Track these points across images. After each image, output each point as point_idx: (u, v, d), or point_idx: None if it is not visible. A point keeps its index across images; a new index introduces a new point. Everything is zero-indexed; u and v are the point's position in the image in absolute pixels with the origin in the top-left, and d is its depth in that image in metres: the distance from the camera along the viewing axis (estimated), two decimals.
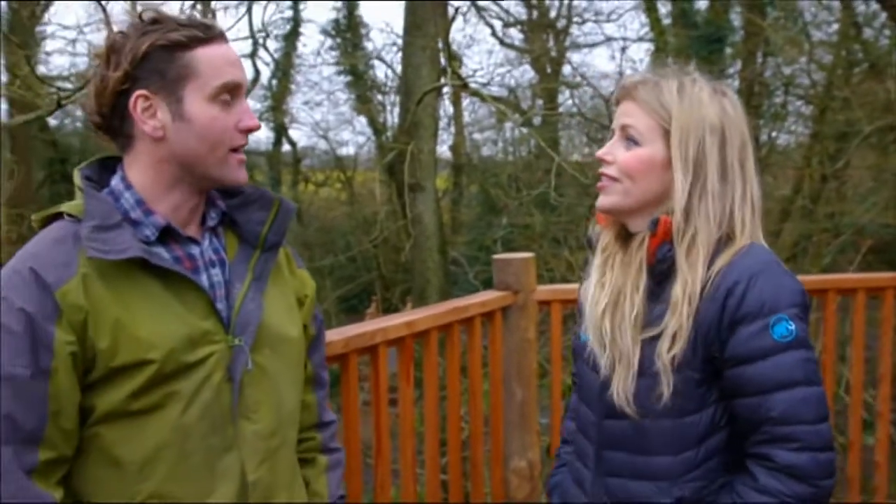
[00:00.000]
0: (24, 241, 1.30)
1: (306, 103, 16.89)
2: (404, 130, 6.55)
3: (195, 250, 1.34)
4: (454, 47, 15.27)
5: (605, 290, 1.49)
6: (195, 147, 1.29)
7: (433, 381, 2.61)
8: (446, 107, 14.62)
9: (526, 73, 16.18)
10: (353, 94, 15.52)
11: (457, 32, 15.00)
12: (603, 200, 1.50)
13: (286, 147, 17.31)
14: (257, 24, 14.92)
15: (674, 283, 1.41)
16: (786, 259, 10.94)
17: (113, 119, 1.30)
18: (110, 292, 1.22)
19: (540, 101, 15.44)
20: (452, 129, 15.17)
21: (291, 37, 15.89)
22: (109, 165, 1.37)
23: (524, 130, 14.83)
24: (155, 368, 1.22)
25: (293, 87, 16.50)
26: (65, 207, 1.28)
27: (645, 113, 1.45)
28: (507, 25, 15.61)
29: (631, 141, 1.46)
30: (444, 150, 15.74)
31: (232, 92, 1.31)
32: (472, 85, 13.87)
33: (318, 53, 15.87)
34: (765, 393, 1.35)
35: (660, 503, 1.43)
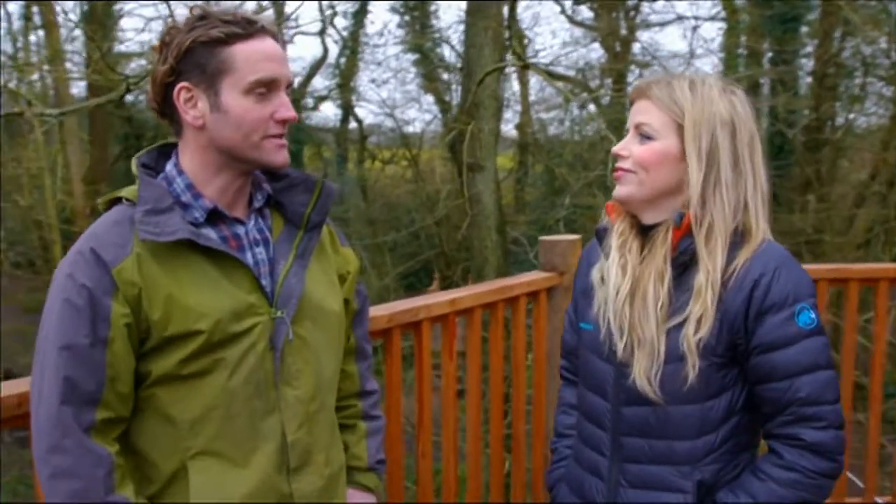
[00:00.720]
0: (98, 215, 1.43)
1: (373, 81, 17.06)
2: (465, 110, 6.60)
3: (241, 230, 1.44)
4: (521, 26, 15.28)
5: (624, 277, 1.55)
6: (230, 136, 1.38)
7: (476, 357, 2.70)
8: (513, 86, 14.63)
9: (595, 52, 16.04)
10: (420, 71, 15.61)
11: (525, 10, 14.95)
12: (619, 190, 1.57)
13: (353, 124, 17.56)
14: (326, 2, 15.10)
15: (696, 272, 1.48)
16: (857, 245, 10.68)
17: (165, 107, 1.42)
18: (162, 270, 1.33)
19: (608, 81, 15.32)
20: (519, 107, 15.16)
21: (360, 14, 16.04)
22: (166, 151, 1.49)
23: (591, 110, 14.74)
24: (203, 338, 1.33)
25: (361, 64, 16.68)
26: (124, 192, 1.40)
27: (658, 109, 1.52)
28: (577, 3, 15.48)
29: (645, 136, 1.53)
30: (509, 129, 15.75)
31: (268, 85, 1.38)
32: (538, 65, 13.83)
33: (381, 34, 15.99)
34: (792, 377, 1.44)
35: (681, 487, 1.50)
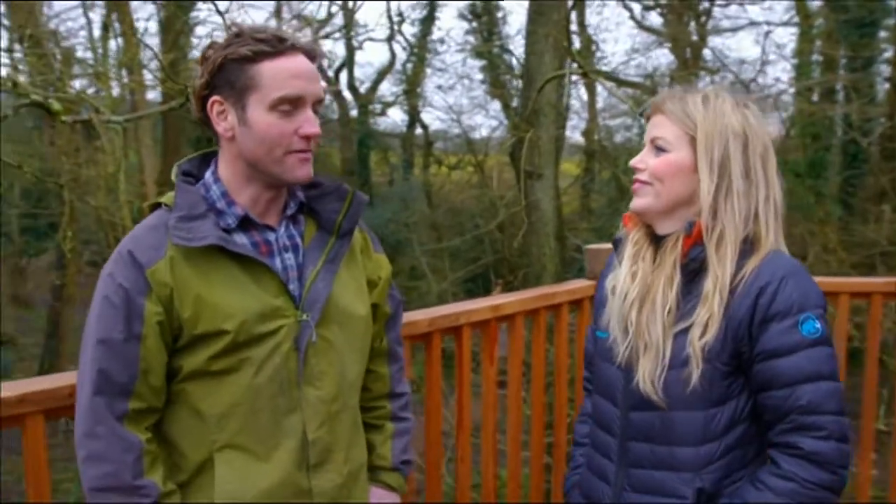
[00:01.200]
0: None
1: (439, 87, 17.19)
2: (525, 118, 6.63)
3: (271, 236, 1.51)
4: (589, 31, 15.21)
5: (634, 283, 1.59)
6: (254, 149, 1.45)
7: (517, 363, 2.73)
8: (581, 92, 14.57)
9: (664, 58, 15.83)
10: (487, 78, 15.67)
11: (592, 16, 14.84)
12: (636, 202, 1.61)
13: (420, 130, 17.73)
14: (395, 7, 15.31)
15: (704, 278, 1.51)
16: None
17: (204, 117, 1.50)
18: (193, 272, 1.41)
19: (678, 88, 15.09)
20: (586, 114, 15.08)
21: (427, 21, 16.21)
22: (208, 159, 1.57)
23: None
24: (230, 337, 1.41)
25: (427, 70, 16.83)
26: (164, 198, 1.49)
27: (672, 123, 1.56)
28: (646, 9, 15.32)
29: (660, 149, 1.57)
30: (576, 136, 15.68)
31: (293, 102, 1.44)
32: (603, 71, 13.72)
33: (443, 40, 16.07)
34: (794, 384, 1.44)
35: (681, 493, 1.51)
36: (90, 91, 8.17)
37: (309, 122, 1.46)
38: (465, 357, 2.55)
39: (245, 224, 1.49)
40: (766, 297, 1.46)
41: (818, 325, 1.45)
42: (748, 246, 1.52)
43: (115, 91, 9.21)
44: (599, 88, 14.64)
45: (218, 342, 1.41)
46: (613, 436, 1.63)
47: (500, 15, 15.71)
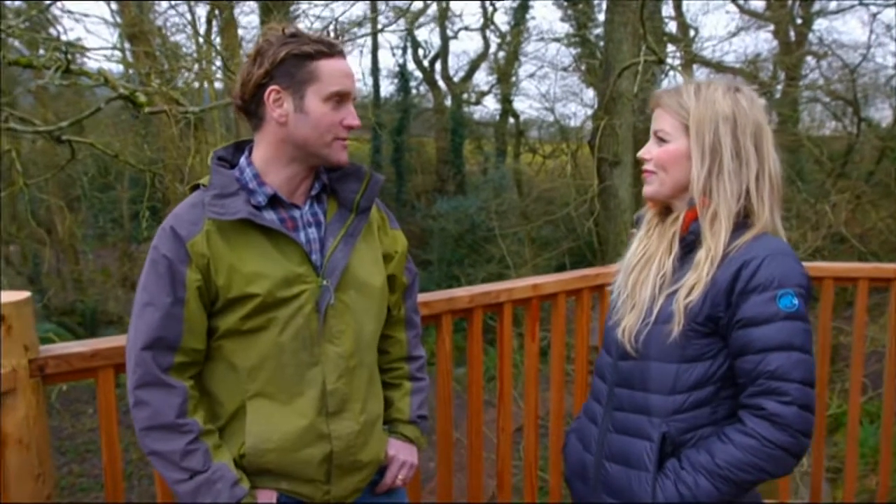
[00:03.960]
0: None
1: (532, 75, 17.24)
2: (603, 106, 6.67)
3: (296, 213, 1.71)
4: (688, 16, 14.92)
5: (640, 251, 1.79)
6: (308, 133, 1.66)
7: (560, 340, 2.85)
8: (676, 80, 14.33)
9: (766, 43, 15.37)
10: (581, 66, 15.59)
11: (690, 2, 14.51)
12: (646, 189, 1.79)
13: (512, 119, 17.80)
14: None
15: (698, 249, 1.65)
16: None
17: (251, 104, 1.69)
18: (227, 244, 1.61)
19: (781, 73, 14.68)
20: None
21: (521, 9, 16.24)
22: (243, 146, 1.78)
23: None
24: (259, 300, 1.61)
25: (521, 59, 16.88)
26: (203, 180, 1.71)
27: (669, 115, 1.72)
28: None
29: (661, 140, 1.73)
30: None
31: (342, 97, 1.66)
32: (697, 55, 13.44)
33: (539, 30, 16.01)
34: (766, 351, 1.56)
35: (650, 435, 1.67)
36: (195, 85, 8.64)
37: (352, 115, 1.69)
38: (506, 334, 2.70)
39: (274, 202, 1.69)
40: (748, 270, 1.57)
41: (795, 301, 1.56)
42: (745, 220, 1.66)
43: (219, 85, 9.67)
44: (697, 74, 14.36)
45: (248, 304, 1.61)
46: (606, 382, 1.80)
47: (595, 2, 15.60)
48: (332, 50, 1.66)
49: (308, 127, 1.65)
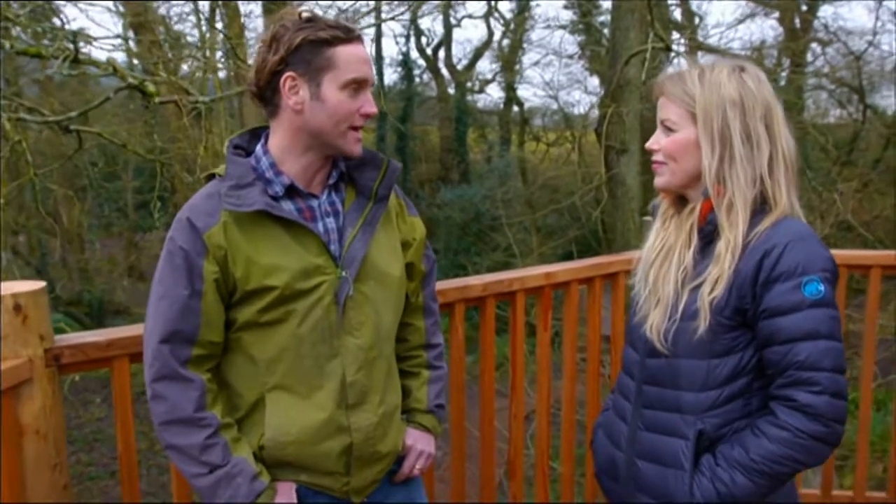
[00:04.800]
0: None
1: (536, 63, 17.17)
2: (610, 93, 6.64)
3: (314, 203, 1.69)
4: (693, 4, 14.83)
5: (658, 244, 1.74)
6: (324, 121, 1.62)
7: (572, 328, 2.85)
8: (681, 66, 14.22)
9: (772, 30, 15.27)
10: (585, 53, 15.53)
11: None
12: (657, 181, 1.74)
13: (517, 107, 17.75)
14: None
15: (719, 240, 1.61)
16: None
17: (266, 91, 1.65)
18: (244, 235, 1.59)
19: (787, 61, 14.60)
20: None
21: None
22: (258, 134, 1.75)
23: None
24: (277, 292, 1.59)
25: (525, 46, 16.82)
26: (218, 169, 1.68)
27: (674, 104, 1.67)
28: None
29: (669, 130, 1.68)
30: None
31: (360, 84, 1.62)
32: (702, 43, 13.37)
33: (530, 19, 15.95)
34: (794, 341, 1.53)
35: (684, 434, 1.64)
36: (198, 74, 8.61)
37: (369, 103, 1.65)
38: (518, 322, 2.69)
39: (291, 192, 1.67)
40: (770, 259, 1.54)
41: (821, 288, 1.53)
42: (761, 206, 1.62)
43: (222, 74, 9.65)
44: (702, 61, 14.26)
45: (266, 296, 1.60)
46: (634, 379, 1.77)
47: None
48: (349, 35, 1.61)
49: (324, 115, 1.61)
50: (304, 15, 1.63)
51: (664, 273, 1.69)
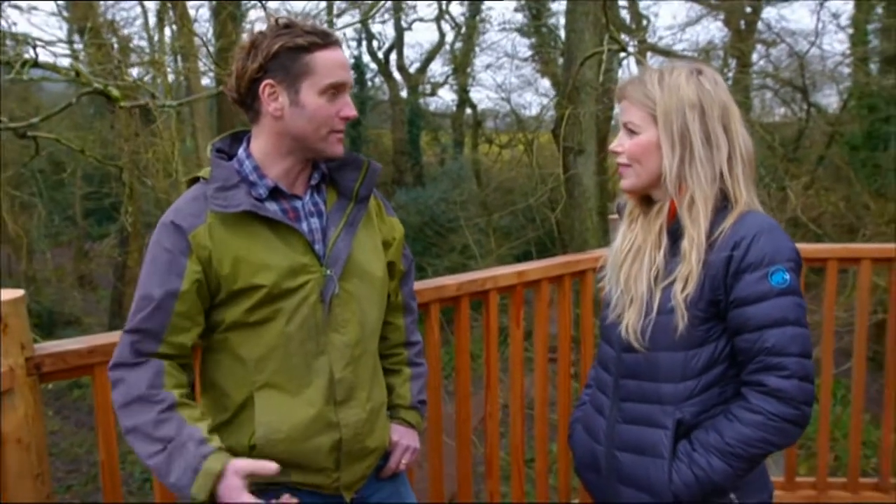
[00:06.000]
0: None
1: (488, 66, 17.30)
2: (566, 95, 6.73)
3: (298, 204, 1.71)
4: (640, 5, 15.08)
5: (627, 244, 1.79)
6: (304, 127, 1.64)
7: (543, 326, 2.89)
8: (633, 69, 14.49)
9: (718, 31, 15.61)
10: (536, 56, 15.68)
11: None
12: (623, 183, 1.80)
13: (469, 110, 17.84)
14: None
15: (683, 238, 1.67)
16: None
17: (247, 97, 1.67)
18: (230, 235, 1.61)
19: (733, 61, 14.93)
20: None
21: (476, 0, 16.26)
22: (239, 137, 1.76)
23: None
24: (265, 291, 1.61)
25: (476, 49, 16.92)
26: (202, 172, 1.69)
27: (636, 107, 1.72)
28: None
29: (632, 132, 1.74)
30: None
31: (338, 88, 1.64)
32: (652, 45, 13.62)
33: (491, 19, 16.08)
34: (762, 329, 1.60)
35: (663, 423, 1.69)
36: (146, 78, 8.50)
37: (348, 106, 1.67)
38: (492, 320, 2.73)
39: (275, 194, 1.68)
40: (740, 251, 1.61)
41: (787, 277, 1.60)
42: (723, 203, 1.68)
43: (171, 78, 9.55)
44: (652, 63, 14.53)
45: (254, 295, 1.61)
46: (611, 374, 1.82)
47: None
48: (326, 40, 1.63)
49: (304, 120, 1.63)
50: (282, 21, 1.64)
51: (636, 273, 1.73)
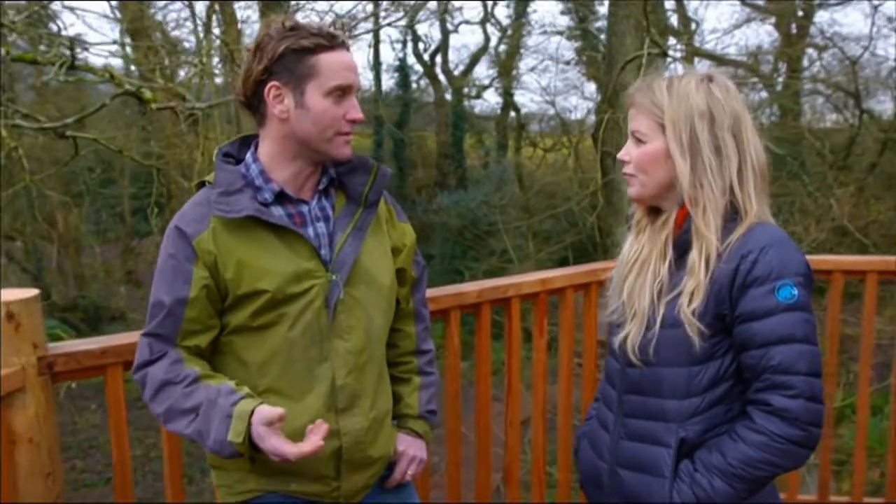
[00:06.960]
0: None
1: (533, 69, 17.22)
2: (606, 99, 6.64)
3: (304, 209, 1.69)
4: (689, 9, 14.87)
5: (633, 255, 1.73)
6: (309, 129, 1.63)
7: (569, 334, 2.85)
8: (679, 73, 14.25)
9: (768, 35, 15.32)
10: (582, 59, 15.55)
11: None
12: (630, 192, 1.74)
13: (513, 113, 17.77)
14: None
15: (692, 250, 1.61)
16: None
17: (253, 100, 1.67)
18: (234, 240, 1.60)
19: (783, 66, 14.64)
20: None
21: (521, 3, 16.19)
22: (249, 142, 1.75)
23: (763, 95, 14.14)
24: (269, 296, 1.60)
25: (521, 52, 16.84)
26: (207, 177, 1.69)
27: (644, 115, 1.66)
28: None
29: (639, 141, 1.67)
30: None
31: (344, 91, 1.62)
32: (699, 49, 13.41)
33: (539, 22, 15.96)
34: (768, 345, 1.53)
35: (667, 442, 1.63)
36: (193, 80, 8.62)
37: (355, 109, 1.65)
38: (514, 328, 2.69)
39: (281, 198, 1.67)
40: (746, 264, 1.54)
41: (795, 292, 1.53)
42: (732, 215, 1.61)
43: (218, 80, 9.66)
44: (698, 67, 14.30)
45: (258, 300, 1.60)
46: (615, 389, 1.76)
47: None
48: (332, 42, 1.61)
49: (309, 123, 1.62)
50: (288, 23, 1.63)
51: (639, 286, 1.67)
